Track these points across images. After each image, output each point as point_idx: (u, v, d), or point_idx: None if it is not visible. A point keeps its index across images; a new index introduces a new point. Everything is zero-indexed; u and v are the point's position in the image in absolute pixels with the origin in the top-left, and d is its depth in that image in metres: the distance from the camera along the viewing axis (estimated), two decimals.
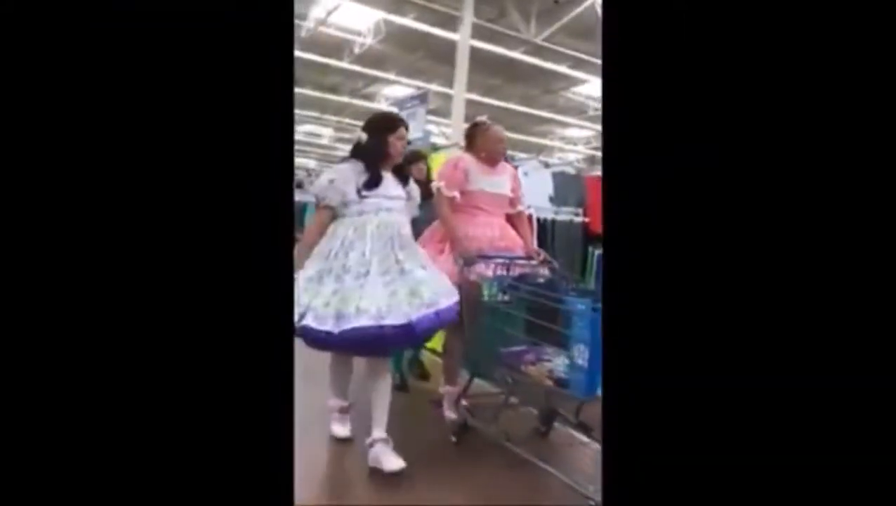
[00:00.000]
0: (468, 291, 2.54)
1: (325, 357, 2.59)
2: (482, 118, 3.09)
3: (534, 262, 2.82)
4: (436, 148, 5.54)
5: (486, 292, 2.56)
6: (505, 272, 2.64)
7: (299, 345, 1.93)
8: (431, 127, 6.09)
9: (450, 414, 2.95)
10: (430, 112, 6.08)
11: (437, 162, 5.00)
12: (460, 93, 9.33)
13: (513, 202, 3.08)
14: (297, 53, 11.78)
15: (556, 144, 19.06)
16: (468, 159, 2.94)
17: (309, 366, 2.54)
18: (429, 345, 4.31)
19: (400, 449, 2.37)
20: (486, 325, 2.53)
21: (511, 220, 3.08)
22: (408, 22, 10.17)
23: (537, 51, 10.84)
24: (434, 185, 2.91)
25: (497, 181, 2.97)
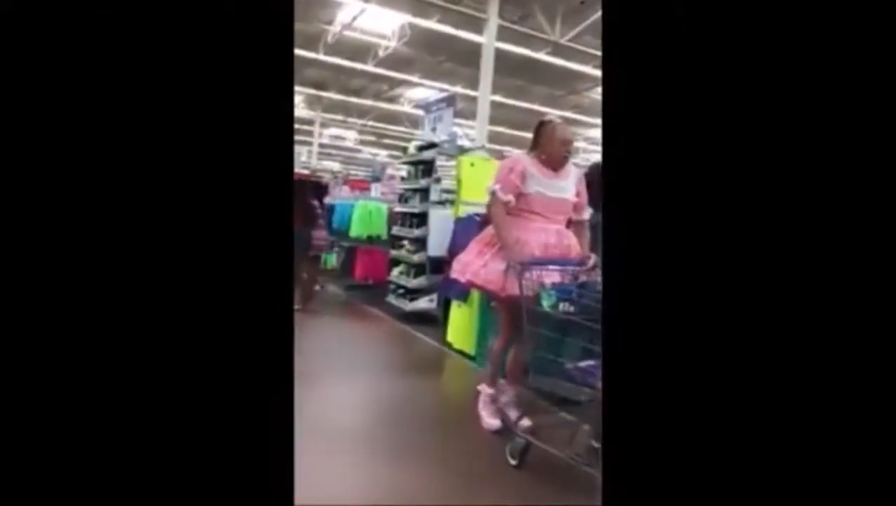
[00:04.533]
0: (525, 299, 2.37)
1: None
2: (549, 117, 2.84)
3: (584, 267, 2.57)
4: (463, 150, 5.53)
5: (545, 302, 2.33)
6: (570, 280, 2.42)
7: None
8: (455, 129, 6.10)
9: (486, 418, 2.84)
10: (455, 114, 6.10)
11: (464, 164, 5.02)
12: (485, 95, 9.33)
13: (577, 207, 2.82)
14: (323, 57, 11.98)
15: (581, 144, 18.94)
16: (527, 161, 2.73)
17: None
18: (457, 346, 4.29)
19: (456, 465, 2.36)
20: (547, 337, 2.30)
21: (572, 225, 2.82)
22: (432, 25, 10.21)
23: (562, 51, 10.78)
24: (489, 188, 2.75)
25: (559, 185, 2.73)
